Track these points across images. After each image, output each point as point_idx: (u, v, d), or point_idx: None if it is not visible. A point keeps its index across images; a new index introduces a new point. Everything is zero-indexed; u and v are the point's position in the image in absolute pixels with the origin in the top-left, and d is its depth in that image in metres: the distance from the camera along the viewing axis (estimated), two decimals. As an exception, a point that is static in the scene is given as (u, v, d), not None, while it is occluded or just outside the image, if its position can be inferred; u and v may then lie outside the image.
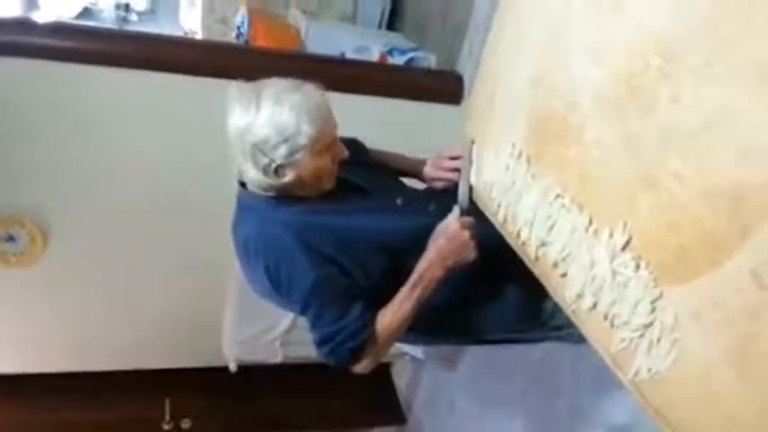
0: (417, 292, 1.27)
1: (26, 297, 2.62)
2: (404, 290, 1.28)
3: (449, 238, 1.27)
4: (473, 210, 1.35)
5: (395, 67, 2.96)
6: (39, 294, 2.63)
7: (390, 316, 1.27)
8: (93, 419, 2.68)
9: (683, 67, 0.85)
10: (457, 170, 1.42)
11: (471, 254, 1.28)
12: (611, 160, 0.99)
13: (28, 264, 2.52)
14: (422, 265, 1.27)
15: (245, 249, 1.30)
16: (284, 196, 1.30)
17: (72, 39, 2.29)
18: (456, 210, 1.31)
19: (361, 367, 1.30)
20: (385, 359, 3.05)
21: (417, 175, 1.54)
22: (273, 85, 1.23)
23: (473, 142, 1.39)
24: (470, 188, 1.38)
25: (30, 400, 2.65)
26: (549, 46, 1.14)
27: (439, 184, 1.49)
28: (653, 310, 0.91)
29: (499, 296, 1.42)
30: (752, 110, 0.76)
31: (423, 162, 1.53)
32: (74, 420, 2.66)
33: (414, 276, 1.27)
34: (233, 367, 2.79)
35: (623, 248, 0.96)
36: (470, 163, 1.39)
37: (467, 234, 1.27)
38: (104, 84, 2.30)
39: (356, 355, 1.26)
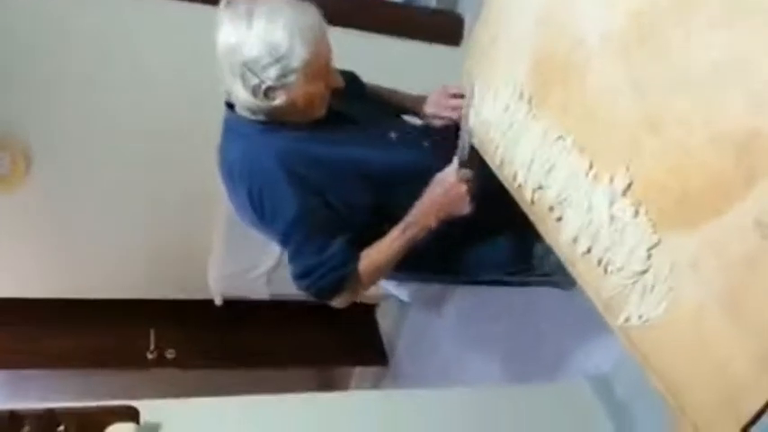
0: (407, 236, 1.26)
1: (8, 222, 2.58)
2: (394, 232, 1.27)
3: (445, 189, 1.26)
4: (472, 159, 1.32)
5: (393, 4, 2.86)
6: (21, 220, 2.58)
7: (376, 255, 1.27)
8: (76, 347, 2.67)
9: (695, 10, 0.83)
10: (457, 108, 1.39)
11: (466, 207, 1.27)
12: (616, 102, 0.96)
13: (10, 188, 2.46)
14: (415, 212, 1.27)
15: (230, 173, 1.28)
16: (273, 121, 1.26)
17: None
18: (455, 161, 1.29)
19: (339, 302, 1.30)
20: (370, 301, 3.08)
21: (416, 111, 1.51)
22: (267, 2, 1.18)
23: (475, 84, 1.35)
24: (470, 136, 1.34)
25: (10, 328, 2.60)
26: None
27: (438, 122, 1.45)
28: (649, 256, 0.90)
29: (490, 236, 1.41)
30: (764, 56, 0.74)
31: (422, 99, 1.49)
32: (56, 348, 2.64)
33: (406, 220, 1.27)
34: (219, 301, 2.78)
35: (623, 193, 0.95)
36: (471, 108, 1.35)
37: (463, 188, 1.26)
38: (93, 4, 2.21)
39: (335, 288, 1.26)
